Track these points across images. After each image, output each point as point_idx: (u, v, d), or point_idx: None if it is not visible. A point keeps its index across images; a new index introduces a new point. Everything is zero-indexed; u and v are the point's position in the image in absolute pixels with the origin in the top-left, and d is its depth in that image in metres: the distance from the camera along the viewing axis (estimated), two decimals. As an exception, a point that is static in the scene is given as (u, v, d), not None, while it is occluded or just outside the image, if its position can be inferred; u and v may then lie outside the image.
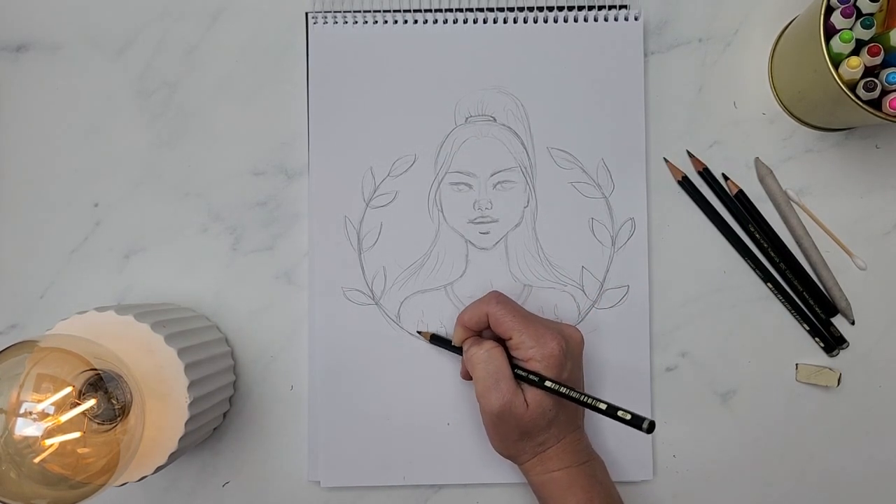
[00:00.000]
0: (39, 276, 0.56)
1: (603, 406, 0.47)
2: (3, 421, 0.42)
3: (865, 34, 0.48)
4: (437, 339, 0.55)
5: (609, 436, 0.55)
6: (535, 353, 0.48)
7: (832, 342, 0.56)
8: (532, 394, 0.48)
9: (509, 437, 0.50)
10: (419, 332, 0.55)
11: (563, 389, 0.48)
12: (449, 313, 0.56)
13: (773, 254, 0.56)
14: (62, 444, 0.43)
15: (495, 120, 0.56)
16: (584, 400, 0.47)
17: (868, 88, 0.48)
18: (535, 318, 0.51)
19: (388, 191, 0.56)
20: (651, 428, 0.45)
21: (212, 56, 0.57)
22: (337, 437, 0.55)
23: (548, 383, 0.48)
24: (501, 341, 0.51)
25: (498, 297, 0.51)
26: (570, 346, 0.50)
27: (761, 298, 0.57)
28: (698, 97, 0.57)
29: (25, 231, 0.56)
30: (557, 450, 0.50)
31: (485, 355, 0.49)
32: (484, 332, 0.52)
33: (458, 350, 0.53)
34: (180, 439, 0.47)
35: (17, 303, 0.56)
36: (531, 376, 0.48)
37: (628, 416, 0.46)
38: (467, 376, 0.54)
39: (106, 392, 0.45)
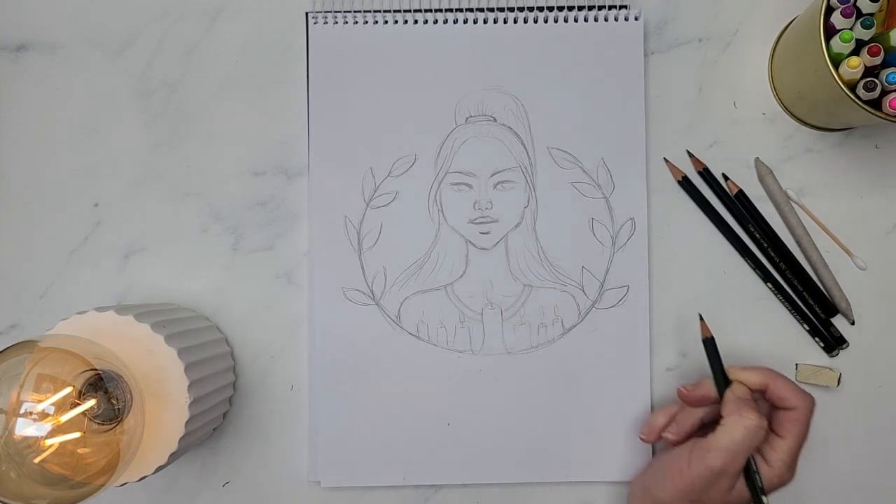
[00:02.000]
0: (39, 276, 0.56)
1: None
2: (3, 421, 0.42)
3: (865, 34, 0.48)
4: (712, 351, 0.50)
5: (608, 435, 0.55)
6: (778, 461, 0.47)
7: (832, 342, 0.56)
8: (739, 490, 0.47)
9: (688, 495, 0.47)
10: (700, 316, 0.52)
11: None
12: (449, 313, 0.56)
13: (773, 254, 0.56)
14: (62, 444, 0.43)
15: (495, 120, 0.56)
16: None
17: (868, 88, 0.48)
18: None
19: (388, 191, 0.56)
20: None
21: (212, 56, 0.57)
22: (337, 437, 0.55)
23: (765, 499, 0.47)
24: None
25: (812, 404, 0.49)
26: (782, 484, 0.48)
27: (761, 298, 0.57)
28: (698, 97, 0.57)
29: (25, 231, 0.56)
30: None
31: (759, 432, 0.46)
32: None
33: (720, 379, 0.50)
34: (180, 439, 0.47)
35: (17, 303, 0.56)
36: (759, 484, 0.47)
37: None
38: (695, 401, 0.50)
39: (106, 392, 0.45)
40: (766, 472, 0.47)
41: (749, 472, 0.47)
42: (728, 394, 0.49)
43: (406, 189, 0.56)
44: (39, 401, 0.42)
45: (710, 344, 0.51)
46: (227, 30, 0.57)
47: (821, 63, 0.48)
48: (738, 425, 0.46)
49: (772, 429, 0.48)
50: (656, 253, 0.56)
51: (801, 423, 0.48)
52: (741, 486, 0.47)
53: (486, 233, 0.56)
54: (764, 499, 0.47)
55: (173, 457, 0.47)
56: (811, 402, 0.48)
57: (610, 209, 0.56)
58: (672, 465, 0.48)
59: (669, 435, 0.51)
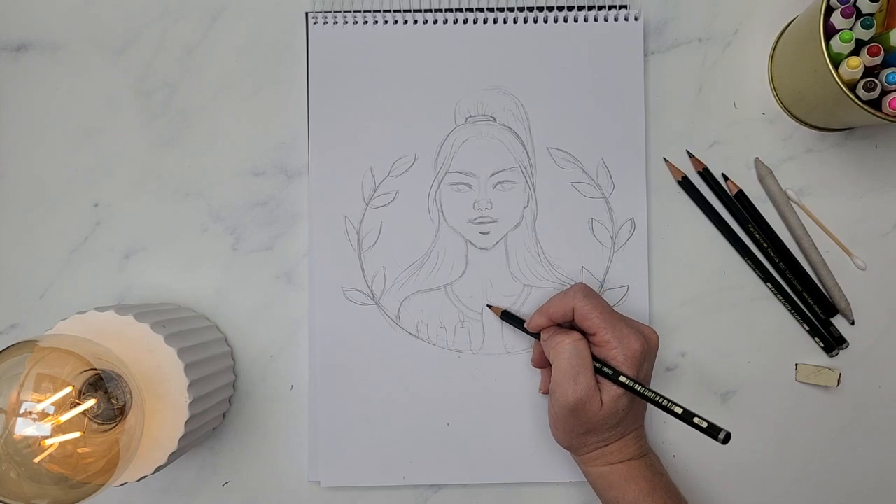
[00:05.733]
0: (39, 276, 0.56)
1: (679, 410, 0.46)
2: (3, 421, 0.42)
3: (865, 34, 0.48)
4: (509, 317, 0.54)
5: (609, 436, 0.55)
6: (618, 354, 0.48)
7: (832, 342, 0.56)
8: (608, 394, 0.48)
9: (575, 430, 0.49)
10: (489, 306, 0.55)
11: (638, 387, 0.47)
12: (449, 313, 0.56)
13: (772, 254, 0.56)
14: (62, 444, 0.43)
15: (495, 120, 0.56)
16: (660, 401, 0.47)
17: (868, 88, 0.48)
18: (619, 317, 0.50)
19: (388, 191, 0.56)
20: (727, 439, 0.44)
21: (212, 56, 0.57)
22: (337, 437, 0.55)
23: (622, 378, 0.48)
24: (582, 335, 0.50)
25: (585, 291, 0.50)
26: (649, 347, 0.50)
27: (761, 298, 0.57)
28: (698, 97, 0.57)
29: (25, 231, 0.56)
30: (619, 444, 0.50)
31: (571, 347, 0.48)
32: (563, 324, 0.52)
33: (529, 333, 0.53)
34: (180, 439, 0.47)
35: (17, 303, 0.56)
36: (605, 369, 0.48)
37: (704, 424, 0.45)
38: (539, 363, 0.54)
39: (106, 392, 0.45)
40: (616, 365, 0.48)
41: (604, 374, 0.48)
42: (541, 341, 0.52)
43: (406, 189, 0.56)
44: (39, 401, 0.42)
45: (508, 316, 0.55)
46: (227, 30, 0.57)
47: (821, 63, 0.48)
48: (556, 354, 0.49)
49: (583, 333, 0.50)
50: (656, 253, 0.56)
51: (589, 309, 0.49)
52: (613, 397, 0.48)
53: (486, 233, 0.56)
54: (623, 378, 0.48)
55: (173, 457, 0.47)
56: (576, 291, 0.50)
57: (610, 209, 0.56)
58: (549, 416, 0.52)
59: (540, 392, 0.55)
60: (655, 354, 0.51)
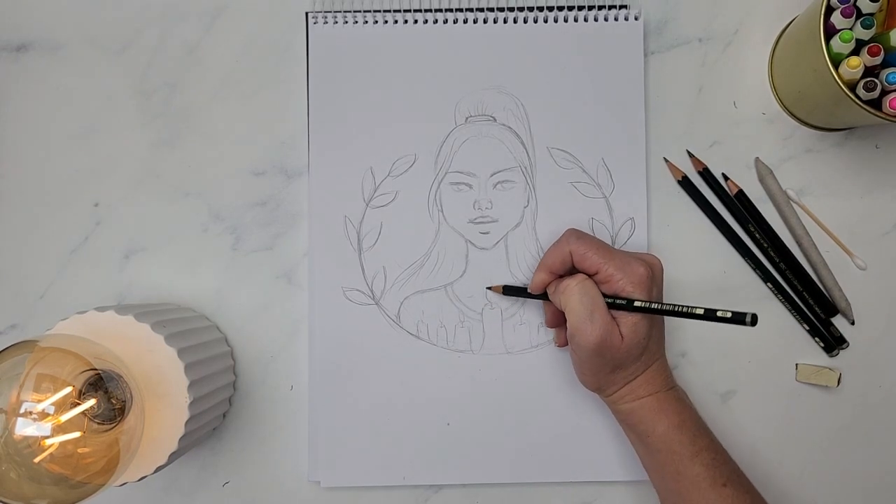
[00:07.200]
0: (39, 276, 0.56)
1: (700, 311, 0.46)
2: (3, 421, 0.42)
3: (865, 34, 0.48)
4: (511, 290, 0.55)
5: (608, 435, 0.55)
6: (626, 284, 0.48)
7: (832, 342, 0.56)
8: (626, 325, 0.48)
9: (602, 370, 0.49)
10: (489, 288, 0.55)
11: (654, 305, 0.47)
12: (449, 313, 0.56)
13: (773, 254, 0.56)
14: (62, 444, 0.43)
15: (495, 120, 0.56)
16: (680, 309, 0.47)
17: (868, 88, 0.48)
18: (617, 250, 0.50)
19: (388, 191, 0.56)
20: (754, 321, 0.44)
21: (212, 56, 0.57)
22: (337, 437, 0.55)
23: (637, 303, 0.47)
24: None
25: (576, 233, 0.51)
26: (654, 272, 0.50)
27: (761, 298, 0.57)
28: (698, 97, 0.57)
29: (25, 231, 0.56)
30: (646, 377, 0.50)
31: (579, 287, 0.49)
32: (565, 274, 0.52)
33: (536, 297, 0.53)
34: (180, 439, 0.47)
35: (17, 303, 0.56)
36: (618, 301, 0.48)
37: (729, 315, 0.45)
38: (554, 322, 0.54)
39: (106, 392, 0.45)
40: (627, 294, 0.48)
41: (618, 307, 0.48)
42: (549, 294, 0.52)
43: (406, 189, 0.56)
44: (39, 401, 0.42)
45: (510, 290, 0.55)
46: (227, 30, 0.57)
47: (821, 63, 0.48)
48: (566, 299, 0.49)
49: (589, 275, 0.50)
50: (656, 253, 0.56)
51: (585, 249, 0.49)
52: (631, 327, 0.48)
53: (486, 233, 0.56)
54: (638, 303, 0.48)
55: (173, 457, 0.47)
56: (569, 236, 0.51)
57: (610, 209, 0.56)
58: (574, 364, 0.52)
59: (556, 343, 0.56)
60: (662, 280, 0.51)
